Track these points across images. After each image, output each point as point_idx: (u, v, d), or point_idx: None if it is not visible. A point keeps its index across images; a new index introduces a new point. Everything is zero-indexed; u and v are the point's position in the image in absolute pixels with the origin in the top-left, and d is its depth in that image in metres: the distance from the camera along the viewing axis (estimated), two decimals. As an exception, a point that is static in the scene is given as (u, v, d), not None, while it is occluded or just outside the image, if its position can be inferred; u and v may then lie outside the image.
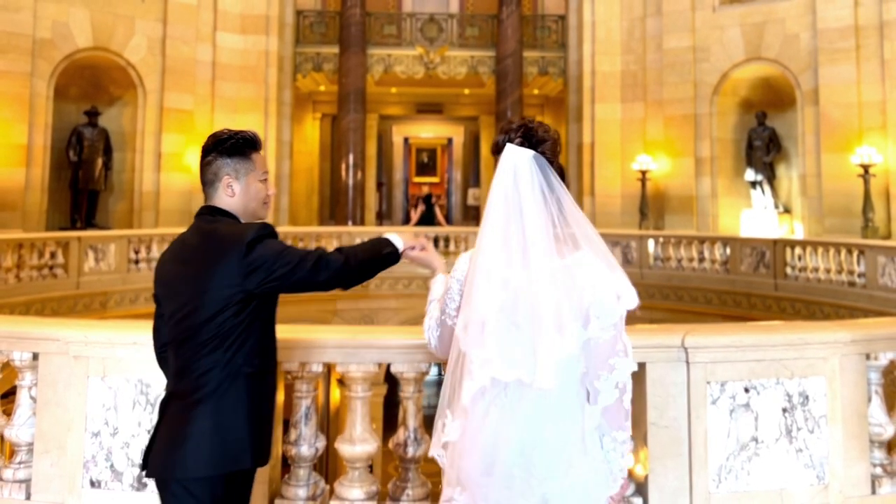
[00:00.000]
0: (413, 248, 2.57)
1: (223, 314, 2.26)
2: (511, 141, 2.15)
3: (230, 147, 2.42)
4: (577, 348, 2.03)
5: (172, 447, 2.27)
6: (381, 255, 2.47)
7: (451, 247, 14.21)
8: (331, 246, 13.39)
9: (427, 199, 17.90)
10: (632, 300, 2.07)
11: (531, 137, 2.15)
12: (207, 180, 2.45)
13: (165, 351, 2.49)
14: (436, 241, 14.08)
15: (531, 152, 2.12)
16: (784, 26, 14.33)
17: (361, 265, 2.39)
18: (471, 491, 2.06)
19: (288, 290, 2.32)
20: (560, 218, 2.09)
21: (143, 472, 2.40)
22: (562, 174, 2.20)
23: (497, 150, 2.19)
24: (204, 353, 2.28)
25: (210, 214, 2.43)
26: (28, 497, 3.34)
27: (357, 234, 13.97)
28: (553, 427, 2.04)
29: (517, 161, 2.11)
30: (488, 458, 2.02)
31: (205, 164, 2.46)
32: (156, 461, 2.31)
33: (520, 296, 2.03)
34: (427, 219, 17.21)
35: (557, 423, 2.05)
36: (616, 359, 2.06)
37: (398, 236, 2.53)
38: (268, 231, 2.31)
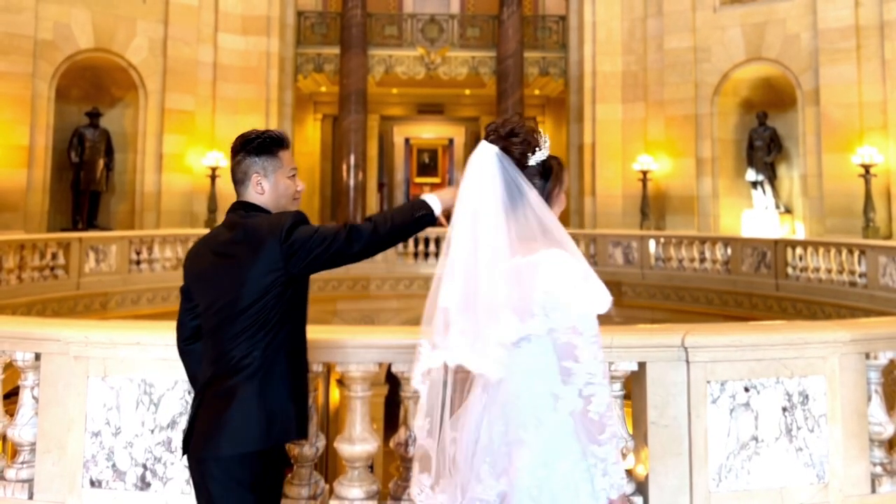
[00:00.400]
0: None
1: (264, 299, 2.33)
2: (486, 139, 2.19)
3: (258, 146, 2.48)
4: (513, 340, 2.03)
5: (217, 427, 2.32)
6: (413, 220, 2.40)
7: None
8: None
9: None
10: (584, 306, 2.04)
11: (499, 134, 2.18)
12: (238, 179, 2.52)
13: (190, 343, 2.56)
14: (437, 241, 14.08)
15: (495, 149, 2.15)
16: (785, 26, 14.33)
17: (391, 232, 2.37)
18: (457, 478, 2.09)
19: (326, 265, 2.37)
20: (523, 217, 2.11)
21: (184, 455, 2.46)
22: (547, 173, 2.21)
23: None
24: (245, 338, 2.34)
25: (243, 209, 2.49)
26: (31, 497, 3.35)
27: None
28: (531, 430, 2.05)
29: (481, 159, 2.15)
30: (471, 449, 2.07)
31: (235, 164, 2.52)
32: (199, 442, 2.36)
33: (475, 290, 2.06)
34: None
35: (534, 425, 2.06)
36: (571, 363, 2.01)
37: (437, 197, 2.43)
38: (302, 217, 2.38)
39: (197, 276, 2.52)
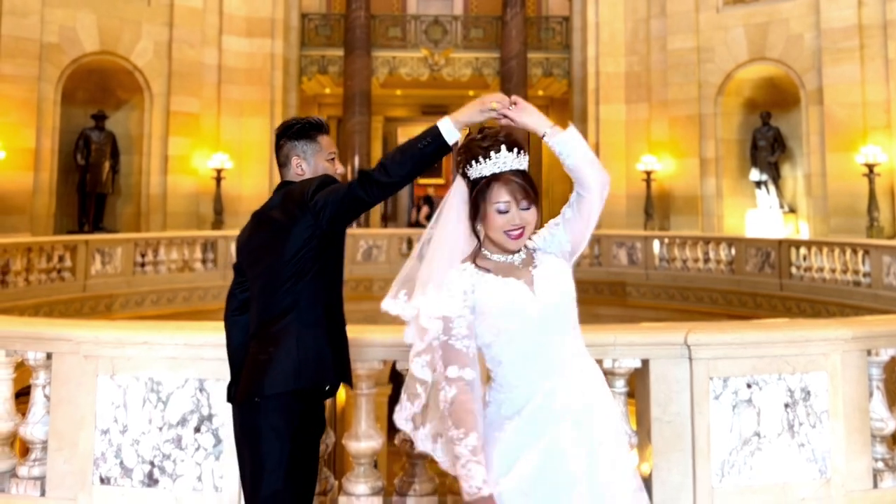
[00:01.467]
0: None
1: (302, 251, 2.49)
2: None
3: (297, 131, 2.67)
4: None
5: (258, 369, 2.47)
6: (419, 150, 2.27)
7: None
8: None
9: (428, 200, 17.98)
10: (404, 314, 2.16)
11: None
12: (281, 162, 2.71)
13: (237, 315, 2.68)
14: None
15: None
16: (788, 26, 14.35)
17: (403, 165, 2.29)
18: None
19: (350, 214, 2.47)
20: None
21: (230, 401, 2.63)
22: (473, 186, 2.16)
23: None
24: (286, 288, 2.50)
25: (284, 186, 2.66)
26: (43, 494, 3.39)
27: (361, 235, 14.03)
28: None
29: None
30: None
31: (278, 149, 2.70)
32: (243, 387, 2.50)
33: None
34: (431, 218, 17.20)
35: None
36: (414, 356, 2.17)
37: (451, 123, 2.21)
38: (327, 179, 2.52)
39: (245, 246, 2.69)
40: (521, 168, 2.13)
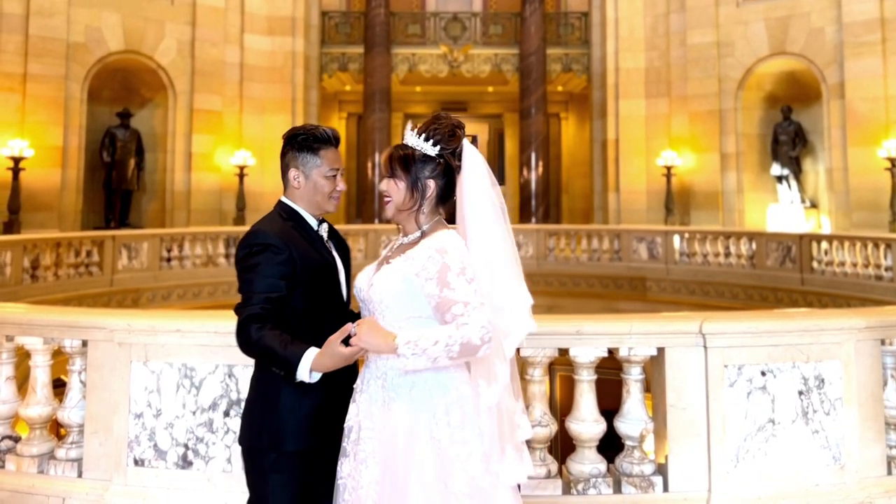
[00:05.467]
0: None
1: None
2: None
3: (301, 142, 2.54)
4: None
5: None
6: (270, 362, 2.33)
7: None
8: (357, 245, 13.65)
9: None
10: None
11: None
12: (282, 170, 2.60)
13: None
14: None
15: None
16: (809, 20, 14.28)
17: (248, 352, 2.36)
18: None
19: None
20: None
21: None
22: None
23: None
24: None
25: (276, 206, 2.60)
26: (80, 475, 3.54)
27: (383, 231, 14.15)
28: None
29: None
30: None
31: (281, 156, 2.60)
32: None
33: None
34: None
35: None
36: None
37: (312, 360, 2.22)
38: (255, 249, 2.38)
39: None
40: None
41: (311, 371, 2.21)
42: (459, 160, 2.31)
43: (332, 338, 2.18)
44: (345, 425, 2.33)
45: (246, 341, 2.30)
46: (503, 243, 2.28)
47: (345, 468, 2.27)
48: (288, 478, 2.36)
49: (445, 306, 2.11)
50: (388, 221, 2.38)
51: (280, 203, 2.58)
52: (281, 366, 2.26)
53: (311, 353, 2.21)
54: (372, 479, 2.17)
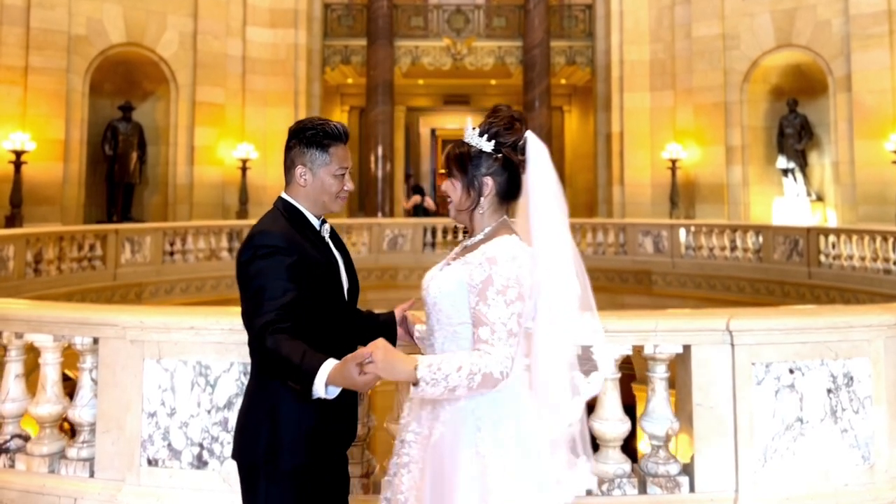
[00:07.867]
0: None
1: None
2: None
3: (309, 137, 2.39)
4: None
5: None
6: (286, 375, 2.12)
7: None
8: (361, 239, 13.58)
9: (418, 188, 18.06)
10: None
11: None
12: (286, 165, 2.45)
13: None
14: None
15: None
16: (815, 12, 14.18)
17: (278, 365, 2.12)
18: None
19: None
20: None
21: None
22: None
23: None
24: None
25: (276, 204, 2.47)
26: (92, 475, 3.46)
27: (387, 225, 14.07)
28: None
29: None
30: None
31: (286, 149, 2.44)
32: None
33: None
34: (422, 210, 17.15)
35: None
36: None
37: (328, 373, 2.02)
38: (261, 252, 2.25)
39: None
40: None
41: (326, 385, 2.01)
42: (522, 154, 2.15)
43: (349, 358, 1.98)
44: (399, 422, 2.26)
45: (263, 352, 2.12)
46: (571, 251, 2.12)
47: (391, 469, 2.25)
48: (281, 497, 2.23)
49: (476, 322, 2.01)
50: (457, 225, 2.34)
51: (281, 200, 2.44)
52: (298, 378, 2.06)
53: (328, 365, 2.02)
54: (412, 483, 2.09)
